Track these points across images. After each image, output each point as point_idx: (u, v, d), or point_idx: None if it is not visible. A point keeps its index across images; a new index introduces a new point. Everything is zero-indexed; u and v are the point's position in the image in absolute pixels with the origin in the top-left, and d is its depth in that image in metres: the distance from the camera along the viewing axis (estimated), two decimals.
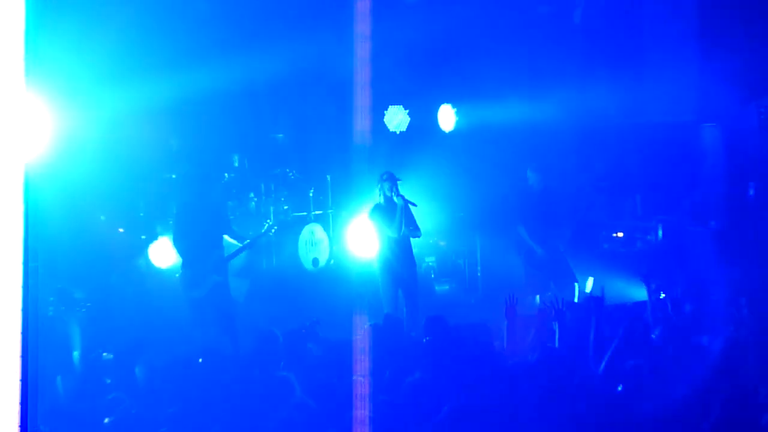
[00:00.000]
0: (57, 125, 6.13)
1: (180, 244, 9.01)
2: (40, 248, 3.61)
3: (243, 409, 5.50)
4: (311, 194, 11.82)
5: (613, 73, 11.56)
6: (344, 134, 11.50)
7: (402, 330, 7.65)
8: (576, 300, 9.30)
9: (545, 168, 10.31)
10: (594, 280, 10.74)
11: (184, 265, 8.94)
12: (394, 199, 9.05)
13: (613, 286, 10.15)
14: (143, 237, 10.32)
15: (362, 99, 11.09)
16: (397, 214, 8.99)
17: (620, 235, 11.50)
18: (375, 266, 9.57)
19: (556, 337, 6.03)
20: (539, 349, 5.95)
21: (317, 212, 11.87)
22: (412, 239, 9.35)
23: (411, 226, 9.18)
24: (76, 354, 7.79)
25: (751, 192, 10.54)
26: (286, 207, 11.73)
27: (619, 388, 5.25)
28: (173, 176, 11.02)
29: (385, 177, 9.17)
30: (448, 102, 12.52)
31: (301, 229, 11.46)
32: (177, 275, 9.34)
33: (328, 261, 11.59)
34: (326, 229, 11.72)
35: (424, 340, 6.64)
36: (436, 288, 11.69)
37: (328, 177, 11.99)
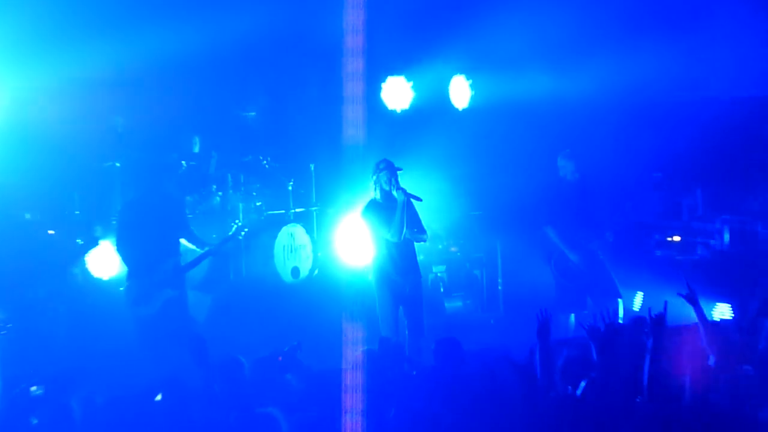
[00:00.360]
0: None
1: (125, 250, 9.02)
2: None
3: None
4: (290, 187, 11.84)
5: (665, 34, 11.60)
6: (332, 113, 11.51)
7: (403, 357, 7.66)
8: (621, 320, 9.38)
9: (581, 155, 10.29)
10: (643, 296, 10.78)
11: (130, 276, 8.95)
12: (394, 193, 9.03)
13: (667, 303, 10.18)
14: (79, 241, 10.29)
15: (354, 68, 11.06)
16: (397, 212, 8.98)
17: (676, 239, 11.51)
18: (370, 277, 9.58)
19: (598, 366, 6.02)
20: (577, 380, 5.96)
21: (298, 210, 11.89)
22: (416, 244, 9.34)
23: (414, 228, 9.17)
24: None
25: None
26: (258, 203, 11.74)
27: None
28: (117, 165, 11.01)
29: (382, 166, 9.15)
30: (461, 72, 12.54)
31: (278, 232, 11.48)
32: (121, 289, 9.34)
33: (312, 271, 11.62)
34: (309, 231, 11.75)
35: (417, 370, 6.63)
36: (447, 305, 11.73)
37: (312, 166, 12.01)
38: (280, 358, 7.13)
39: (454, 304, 11.79)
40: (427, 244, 10.16)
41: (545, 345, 6.10)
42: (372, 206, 9.18)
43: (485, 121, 12.26)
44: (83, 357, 8.66)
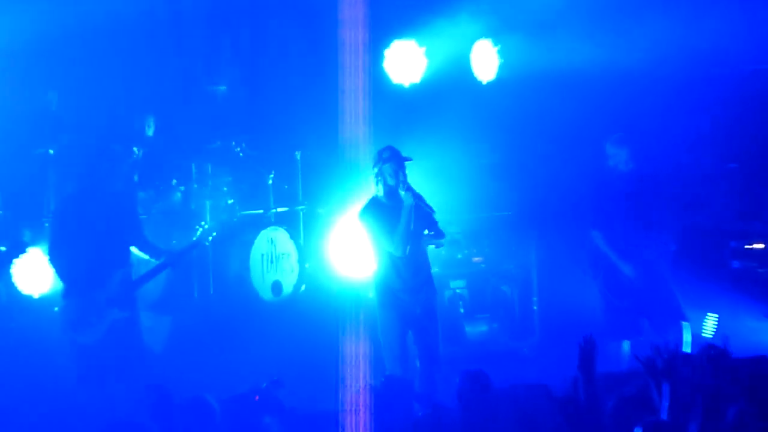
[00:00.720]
0: None
1: (61, 260, 9.01)
2: None
3: None
4: (270, 181, 11.87)
5: None
6: (323, 87, 11.53)
7: (412, 396, 7.65)
8: (687, 349, 9.35)
9: (636, 140, 10.30)
10: (717, 320, 10.75)
11: (67, 293, 8.95)
12: (400, 192, 9.03)
13: (747, 327, 10.14)
14: (2, 248, 10.26)
15: (351, 30, 11.07)
16: (402, 219, 8.97)
17: (758, 246, 11.48)
18: (371, 295, 9.60)
19: (661, 405, 6.03)
20: (631, 426, 5.92)
21: (280, 210, 11.94)
22: (429, 250, 9.36)
23: (428, 230, 9.21)
24: None
25: None
26: (230, 201, 11.78)
27: None
28: (50, 152, 11.02)
29: (386, 156, 9.14)
30: (486, 36, 12.53)
31: (256, 237, 11.51)
32: (57, 309, 9.37)
33: (297, 286, 11.63)
34: (294, 236, 11.75)
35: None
36: (468, 329, 11.71)
37: (298, 155, 12.04)
38: (258, 398, 7.13)
39: (477, 329, 11.77)
40: (444, 251, 10.14)
41: (590, 381, 6.09)
42: (373, 207, 9.17)
43: (516, 97, 12.24)
44: (8, 394, 8.62)
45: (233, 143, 11.83)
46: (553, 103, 12.12)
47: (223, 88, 12.30)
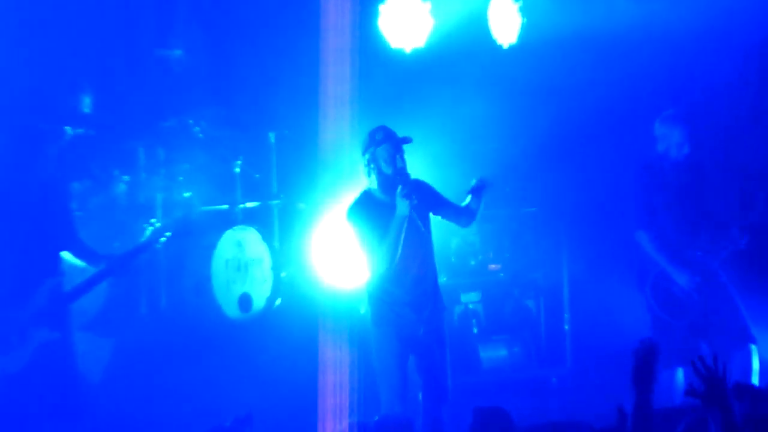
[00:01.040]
0: None
1: None
2: None
3: None
4: (238, 169, 11.89)
5: None
6: (303, 53, 11.56)
7: None
8: (755, 379, 9.43)
9: (692, 119, 10.29)
10: None
11: None
12: (398, 194, 8.95)
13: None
14: None
15: None
16: (391, 230, 8.97)
17: None
18: (363, 311, 9.66)
19: None
20: None
21: (250, 205, 11.96)
22: (436, 258, 9.33)
23: (447, 212, 9.28)
24: None
25: None
26: (187, 194, 11.77)
27: None
28: None
29: (379, 138, 9.15)
30: None
31: (219, 239, 11.50)
32: None
33: (271, 300, 11.62)
34: (267, 237, 11.76)
35: None
36: (484, 354, 11.77)
37: (272, 136, 12.06)
38: None
39: (494, 353, 11.85)
40: (456, 260, 10.09)
41: (639, 420, 5.99)
42: (365, 203, 9.19)
43: (542, 65, 12.26)
44: None
45: (191, 121, 11.79)
46: (587, 73, 12.15)
47: (178, 52, 12.25)
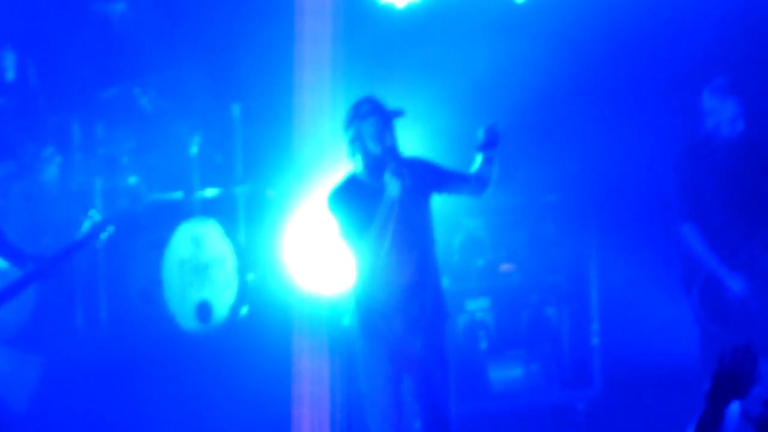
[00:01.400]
0: None
1: None
2: None
3: None
4: (195, 149, 11.96)
5: None
6: (273, 8, 11.56)
7: None
8: None
9: (746, 91, 10.36)
10: None
11: None
12: (386, 176, 9.05)
13: None
14: None
15: None
16: (380, 213, 9.02)
17: None
18: (347, 322, 9.74)
19: None
20: None
21: (209, 193, 12.03)
22: (439, 255, 9.41)
23: (454, 184, 9.35)
24: None
25: None
26: (133, 180, 11.84)
27: None
28: None
29: (364, 111, 9.23)
30: None
31: (172, 235, 11.61)
32: None
33: (236, 309, 11.69)
34: (231, 233, 11.85)
35: None
36: (494, 374, 11.83)
37: (236, 108, 12.14)
38: None
39: (507, 373, 11.90)
40: (460, 259, 10.15)
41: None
42: (349, 189, 9.27)
43: (565, 21, 12.29)
44: None
45: (137, 90, 11.87)
46: (621, 32, 12.23)
47: (120, 6, 12.29)
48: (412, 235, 9.17)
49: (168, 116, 11.94)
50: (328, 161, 10.16)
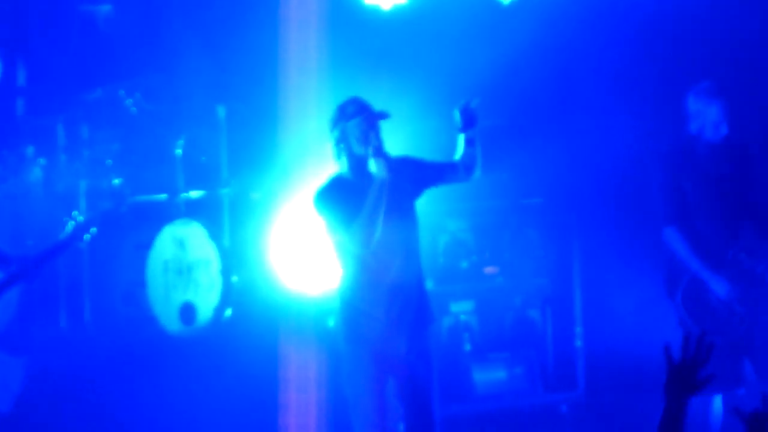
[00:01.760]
0: None
1: None
2: None
3: None
4: (180, 151, 11.94)
5: None
6: (259, 8, 11.62)
7: None
8: None
9: (731, 94, 10.30)
10: None
11: None
12: (370, 165, 9.09)
13: None
14: None
15: None
16: (370, 198, 9.00)
17: None
18: (332, 323, 9.74)
19: None
20: None
21: (194, 195, 12.02)
22: (423, 256, 9.39)
23: (440, 174, 9.35)
24: None
25: None
26: (117, 181, 11.80)
27: None
28: None
29: (350, 112, 9.22)
30: None
31: (156, 237, 11.58)
32: None
33: (220, 310, 11.64)
34: (215, 235, 11.80)
35: None
36: (478, 376, 11.80)
37: (221, 110, 12.08)
38: None
39: (491, 375, 11.88)
40: (446, 261, 10.15)
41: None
42: (335, 189, 9.23)
43: (551, 23, 12.27)
44: None
45: (122, 92, 11.83)
46: (606, 34, 12.24)
47: (107, 7, 12.26)
48: (397, 235, 9.13)
49: (152, 118, 11.89)
50: (313, 163, 10.09)
